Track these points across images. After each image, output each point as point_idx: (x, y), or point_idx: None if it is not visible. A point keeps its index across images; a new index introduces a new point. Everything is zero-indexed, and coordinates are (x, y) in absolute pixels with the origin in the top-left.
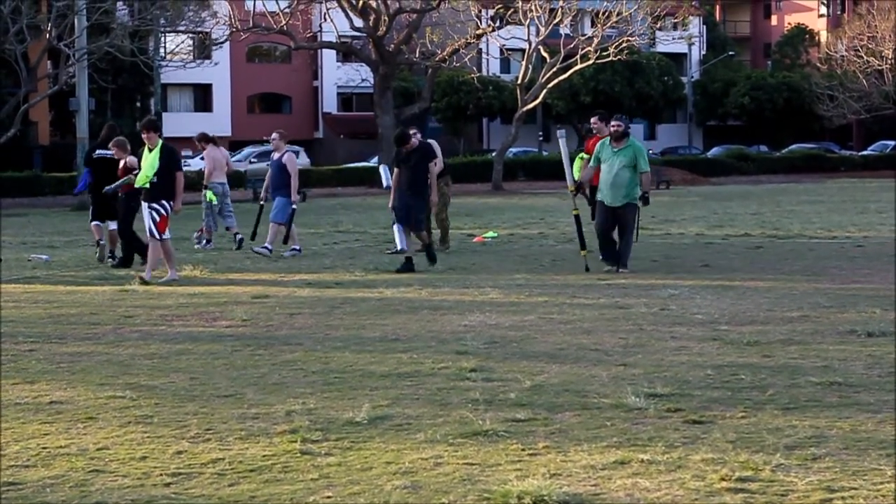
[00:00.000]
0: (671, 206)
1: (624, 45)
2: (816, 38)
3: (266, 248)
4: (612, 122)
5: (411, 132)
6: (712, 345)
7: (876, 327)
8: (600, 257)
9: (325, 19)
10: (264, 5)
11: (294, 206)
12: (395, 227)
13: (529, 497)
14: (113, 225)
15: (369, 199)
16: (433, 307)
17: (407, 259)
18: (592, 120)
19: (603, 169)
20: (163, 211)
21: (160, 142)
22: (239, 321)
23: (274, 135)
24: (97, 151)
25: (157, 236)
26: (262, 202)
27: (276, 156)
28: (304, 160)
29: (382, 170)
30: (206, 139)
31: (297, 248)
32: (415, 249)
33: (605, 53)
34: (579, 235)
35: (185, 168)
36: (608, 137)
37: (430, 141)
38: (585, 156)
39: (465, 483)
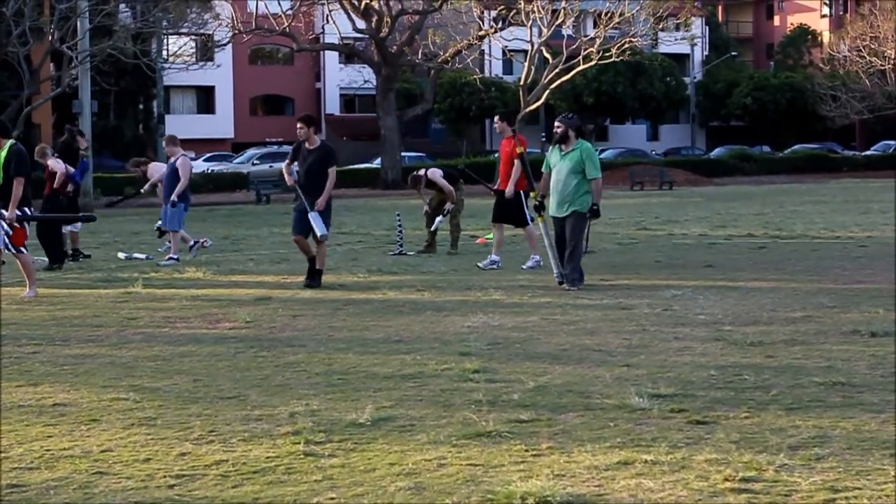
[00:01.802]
0: (674, 207)
1: (626, 45)
2: (819, 38)
3: (172, 258)
4: (556, 123)
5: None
6: (716, 345)
7: (879, 327)
8: (555, 274)
9: (328, 21)
10: (266, 7)
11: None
12: None
13: (533, 498)
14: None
15: (372, 201)
16: (436, 308)
17: (316, 270)
18: (495, 119)
19: (552, 176)
20: (15, 223)
21: (9, 144)
22: (242, 323)
23: (164, 141)
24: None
25: (13, 250)
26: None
27: (170, 161)
28: None
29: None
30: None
31: (175, 257)
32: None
33: (607, 54)
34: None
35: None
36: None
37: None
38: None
39: (468, 484)
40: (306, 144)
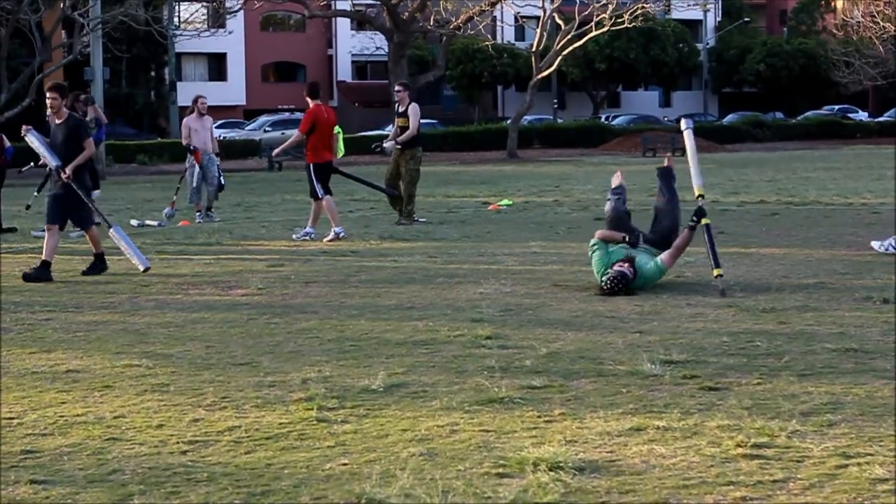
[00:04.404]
0: (687, 174)
1: (639, 11)
2: (832, 4)
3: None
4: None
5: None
6: (728, 311)
7: (892, 294)
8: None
9: None
10: None
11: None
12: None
13: (545, 464)
14: None
15: (384, 168)
16: (448, 275)
17: (43, 263)
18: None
19: None
20: None
21: None
22: (254, 290)
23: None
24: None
25: None
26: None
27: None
28: None
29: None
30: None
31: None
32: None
33: (619, 20)
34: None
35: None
36: None
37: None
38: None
39: (480, 450)
40: (55, 119)
